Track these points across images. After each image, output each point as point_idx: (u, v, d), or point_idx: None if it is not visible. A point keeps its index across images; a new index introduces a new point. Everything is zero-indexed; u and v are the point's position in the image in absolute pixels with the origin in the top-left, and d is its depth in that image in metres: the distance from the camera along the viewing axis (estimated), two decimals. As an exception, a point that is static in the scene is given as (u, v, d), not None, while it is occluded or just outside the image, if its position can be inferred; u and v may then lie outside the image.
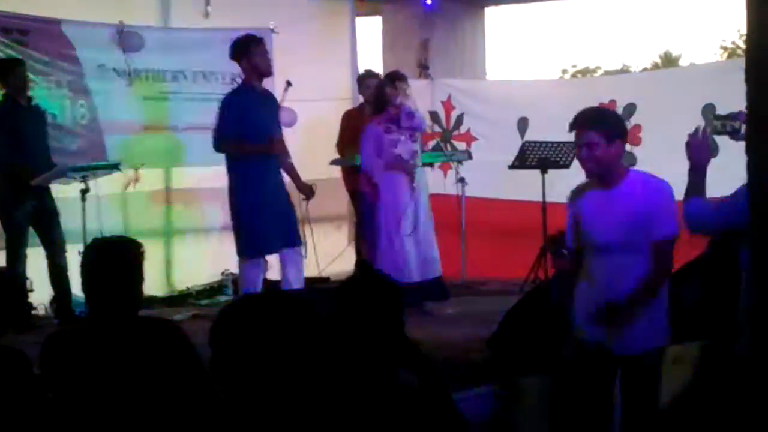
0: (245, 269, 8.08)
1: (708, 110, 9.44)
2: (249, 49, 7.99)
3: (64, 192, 8.30)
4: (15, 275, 7.97)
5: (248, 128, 7.90)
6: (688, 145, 4.85)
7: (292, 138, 8.53)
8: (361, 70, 10.51)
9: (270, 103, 8.21)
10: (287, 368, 2.18)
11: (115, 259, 3.94)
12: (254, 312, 2.20)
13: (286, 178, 8.16)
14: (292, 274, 8.03)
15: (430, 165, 10.25)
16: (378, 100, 8.79)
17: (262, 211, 7.90)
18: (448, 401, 3.61)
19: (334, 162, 9.87)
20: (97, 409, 3.77)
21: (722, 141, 8.77)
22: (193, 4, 9.72)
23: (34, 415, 3.74)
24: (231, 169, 8.04)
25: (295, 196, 8.22)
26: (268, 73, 8.13)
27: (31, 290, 8.18)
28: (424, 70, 11.52)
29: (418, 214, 8.67)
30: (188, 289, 9.67)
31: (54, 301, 8.28)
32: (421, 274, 8.59)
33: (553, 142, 9.73)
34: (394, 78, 8.77)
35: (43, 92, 8.81)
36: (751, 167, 2.65)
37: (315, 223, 9.14)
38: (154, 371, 3.82)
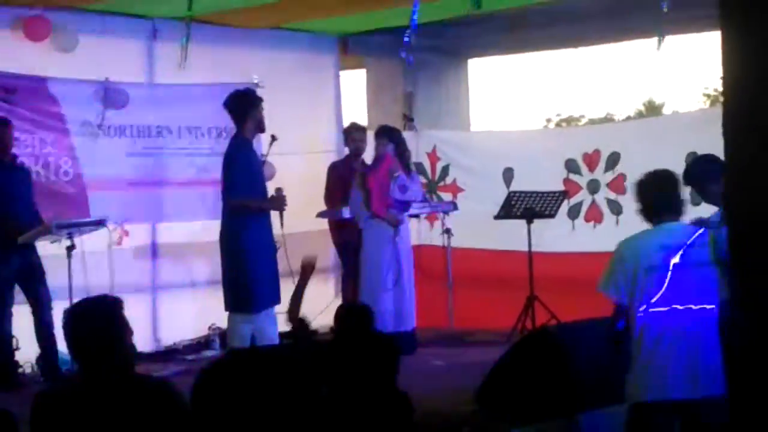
0: (239, 325, 8.03)
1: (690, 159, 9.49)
2: (254, 105, 8.10)
3: (49, 249, 8.28)
4: (1, 333, 7.95)
5: (255, 183, 7.99)
6: None
7: (278, 191, 8.54)
8: (346, 123, 10.56)
9: (258, 157, 8.32)
10: (270, 426, 2.18)
11: (96, 320, 3.91)
12: (236, 372, 2.20)
13: None
14: (272, 331, 8.01)
15: (416, 216, 10.28)
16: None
17: (265, 265, 7.92)
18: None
19: (320, 215, 9.89)
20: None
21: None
22: (178, 60, 9.76)
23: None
24: (232, 223, 8.03)
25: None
26: (264, 130, 8.23)
27: (17, 348, 8.15)
28: (408, 121, 11.57)
29: (401, 266, 8.73)
30: (175, 344, 9.63)
31: (40, 359, 8.24)
32: (395, 325, 8.63)
33: (538, 192, 9.78)
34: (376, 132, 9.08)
35: (28, 149, 8.82)
36: (730, 215, 2.68)
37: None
38: (146, 430, 3.78)
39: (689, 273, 4.92)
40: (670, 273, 4.93)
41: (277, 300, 7.99)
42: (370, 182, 8.87)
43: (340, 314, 5.34)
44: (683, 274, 4.92)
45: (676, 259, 4.94)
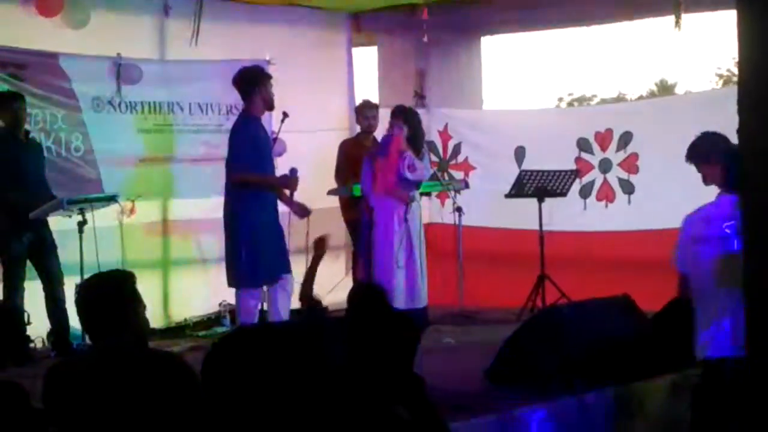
0: (244, 299, 8.08)
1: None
2: (263, 81, 8.09)
3: (61, 224, 8.30)
4: (13, 308, 7.97)
5: (259, 159, 8.00)
6: None
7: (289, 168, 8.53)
8: (358, 100, 10.54)
9: (267, 135, 8.32)
10: (280, 402, 2.18)
11: (109, 294, 3.92)
12: (246, 348, 2.20)
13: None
14: (282, 303, 8.05)
15: (428, 194, 10.26)
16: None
17: (265, 241, 7.94)
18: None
19: (331, 192, 9.89)
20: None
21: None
22: (189, 37, 9.74)
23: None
24: (233, 198, 8.08)
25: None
26: (273, 107, 8.23)
27: (29, 323, 8.17)
28: (420, 99, 11.54)
29: (412, 244, 8.74)
30: (186, 320, 9.65)
31: (51, 334, 8.26)
32: (407, 302, 8.63)
33: (550, 171, 9.76)
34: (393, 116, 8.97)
35: (39, 125, 8.82)
36: (745, 197, 2.66)
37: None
38: (159, 405, 3.79)
39: (731, 243, 5.10)
40: (712, 243, 5.21)
41: (274, 277, 8.03)
42: (378, 165, 8.84)
43: (355, 295, 5.35)
44: (724, 245, 5.13)
45: (718, 231, 5.21)
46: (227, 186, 8.17)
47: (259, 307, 8.24)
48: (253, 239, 7.94)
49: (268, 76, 8.25)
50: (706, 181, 5.79)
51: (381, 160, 8.82)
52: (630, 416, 6.28)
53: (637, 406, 6.36)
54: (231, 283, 8.15)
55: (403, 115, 8.92)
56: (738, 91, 2.68)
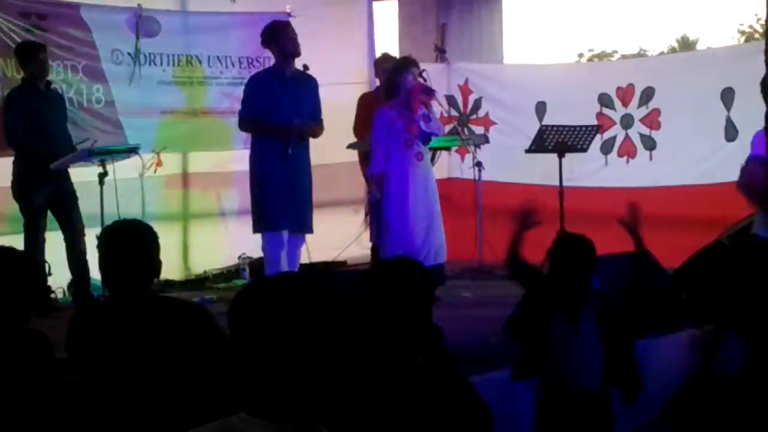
0: (268, 245, 8.18)
1: (727, 95, 9.40)
2: (277, 35, 8.22)
3: (81, 176, 8.32)
4: (34, 259, 8.00)
5: (267, 109, 8.03)
6: None
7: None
8: (378, 54, 10.50)
9: (302, 86, 8.27)
10: (303, 350, 2.20)
11: (133, 238, 3.93)
12: (273, 293, 2.21)
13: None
14: (290, 257, 8.12)
15: (447, 149, 10.22)
16: (388, 88, 8.67)
17: (281, 188, 7.99)
18: (466, 387, 3.61)
19: (350, 146, 9.86)
20: (125, 391, 3.77)
21: (741, 125, 8.81)
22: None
23: (56, 397, 3.75)
24: (251, 147, 8.30)
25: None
26: (296, 53, 8.27)
27: (50, 274, 8.20)
28: (440, 54, 11.49)
29: (428, 199, 8.60)
30: (205, 272, 9.69)
31: (72, 285, 8.31)
32: (425, 259, 8.54)
33: (570, 126, 9.71)
34: (410, 65, 8.63)
35: (60, 76, 8.82)
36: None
37: (332, 207, 9.13)
38: (182, 354, 3.81)
39: None
40: None
41: (288, 226, 8.11)
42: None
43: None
44: None
45: None
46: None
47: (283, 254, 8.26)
48: (270, 186, 8.03)
49: (283, 27, 8.35)
50: None
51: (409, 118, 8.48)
52: (649, 370, 6.27)
53: (657, 361, 6.36)
54: (254, 228, 8.28)
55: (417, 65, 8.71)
56: (766, 43, 2.66)
